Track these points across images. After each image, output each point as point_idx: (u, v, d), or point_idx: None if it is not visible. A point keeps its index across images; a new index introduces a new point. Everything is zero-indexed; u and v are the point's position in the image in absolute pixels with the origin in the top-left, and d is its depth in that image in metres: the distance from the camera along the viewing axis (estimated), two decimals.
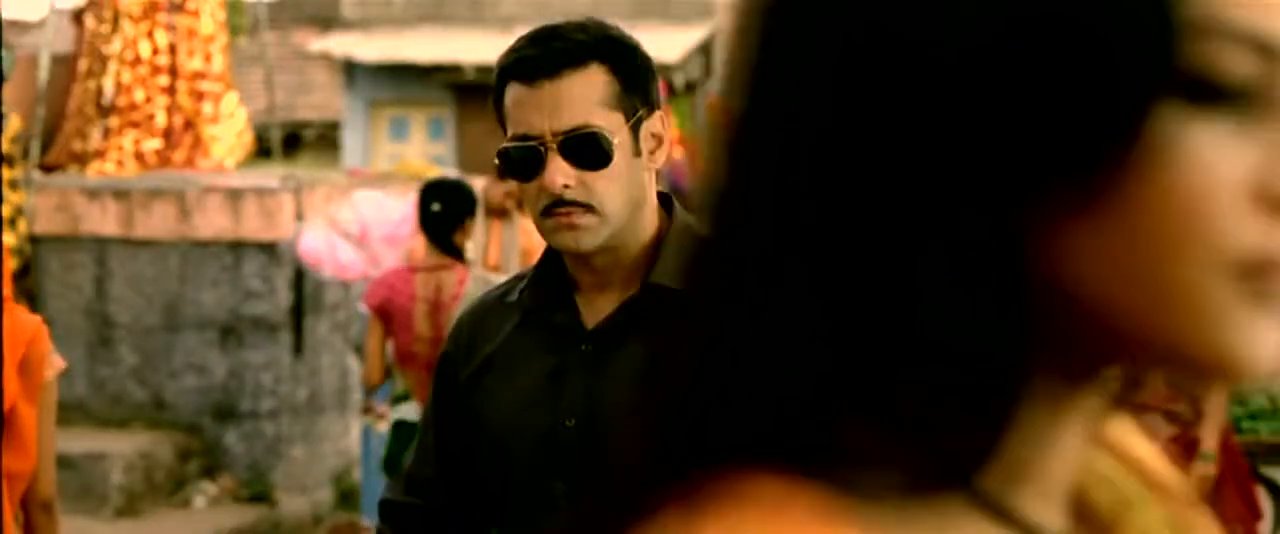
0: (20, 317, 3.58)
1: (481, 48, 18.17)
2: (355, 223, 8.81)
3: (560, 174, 2.17)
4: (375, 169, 16.48)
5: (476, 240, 8.56)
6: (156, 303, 9.41)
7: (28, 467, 3.51)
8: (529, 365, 2.28)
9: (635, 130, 2.23)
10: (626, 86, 2.23)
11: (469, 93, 18.69)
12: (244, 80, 18.18)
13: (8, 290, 3.55)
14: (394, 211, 9.04)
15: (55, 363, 3.62)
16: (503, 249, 8.64)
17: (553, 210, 2.19)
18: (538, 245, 9.06)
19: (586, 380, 2.23)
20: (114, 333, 9.47)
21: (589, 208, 2.18)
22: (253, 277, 9.30)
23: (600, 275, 2.27)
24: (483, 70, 17.99)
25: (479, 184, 9.62)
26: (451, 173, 13.99)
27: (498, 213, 8.69)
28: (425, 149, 19.11)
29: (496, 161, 2.25)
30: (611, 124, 2.20)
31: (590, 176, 2.18)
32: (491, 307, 2.39)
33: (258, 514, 9.01)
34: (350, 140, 19.35)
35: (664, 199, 2.33)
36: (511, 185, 8.67)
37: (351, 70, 19.28)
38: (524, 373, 2.28)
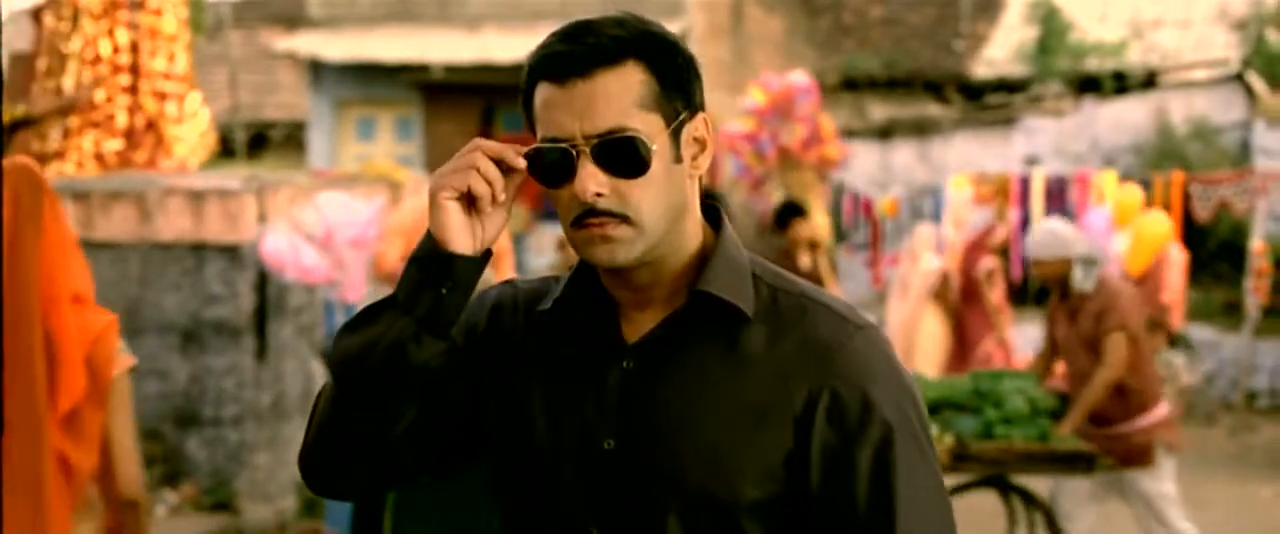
0: (88, 316, 3.64)
1: (449, 47, 18.04)
2: (319, 225, 8.66)
3: (592, 181, 2.00)
4: (342, 169, 16.32)
5: None
6: (117, 306, 9.11)
7: (90, 462, 3.59)
8: (563, 382, 2.12)
9: (676, 134, 2.06)
10: (665, 86, 2.05)
11: (437, 92, 18.55)
12: (208, 80, 18.01)
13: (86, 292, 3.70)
14: (360, 214, 8.91)
15: (123, 360, 3.69)
16: None
17: (584, 220, 2.03)
18: (506, 249, 8.96)
19: (627, 398, 2.08)
20: None
21: (624, 218, 2.02)
22: (215, 280, 9.15)
23: (639, 292, 2.12)
24: (450, 70, 17.87)
25: None
26: (419, 174, 13.85)
27: None
28: (392, 149, 18.96)
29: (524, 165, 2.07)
30: (649, 127, 2.02)
31: (625, 184, 2.01)
32: (517, 305, 2.22)
33: (221, 523, 8.87)
34: (316, 140, 19.18)
35: (709, 209, 2.17)
36: None
37: (318, 70, 19.10)
38: (559, 390, 2.12)
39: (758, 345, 2.07)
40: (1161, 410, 7.32)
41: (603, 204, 2.00)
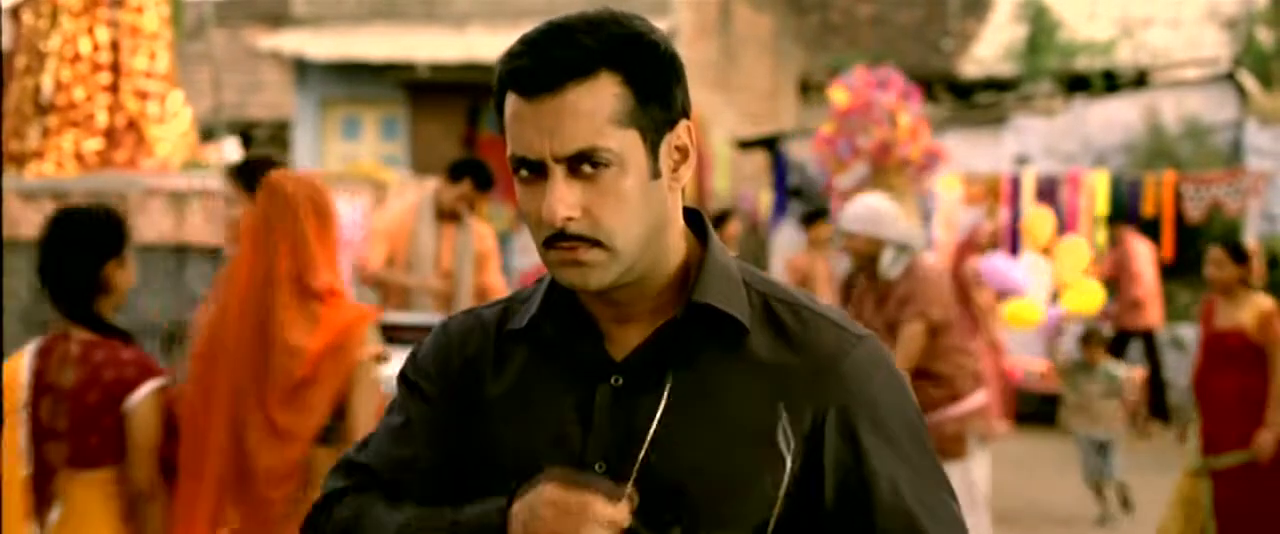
0: (344, 308, 4.39)
1: (435, 45, 17.92)
2: None
3: (562, 204, 1.87)
4: (327, 169, 16.18)
5: (426, 246, 8.29)
6: None
7: (307, 429, 4.28)
8: (547, 403, 1.99)
9: (654, 148, 1.93)
10: (643, 97, 1.91)
11: (422, 91, 18.43)
12: (192, 79, 17.87)
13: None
14: (344, 215, 8.78)
15: (371, 349, 4.37)
16: (455, 254, 8.36)
17: (555, 243, 1.90)
18: (491, 250, 8.82)
19: (619, 418, 1.95)
20: None
21: (596, 242, 1.89)
22: (197, 282, 9.02)
23: (620, 308, 1.99)
24: (436, 68, 17.74)
25: (429, 186, 9.35)
26: (404, 173, 13.71)
27: (449, 216, 8.40)
28: (378, 149, 18.84)
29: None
30: (624, 145, 1.89)
31: (598, 206, 1.89)
32: (487, 331, 2.09)
33: None
34: (301, 140, 19.05)
35: (693, 218, 2.05)
36: (464, 188, 8.39)
37: (302, 68, 18.97)
38: (541, 412, 1.99)
39: (756, 358, 1.96)
40: (976, 400, 7.12)
41: (573, 228, 1.88)
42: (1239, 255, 7.61)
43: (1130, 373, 10.44)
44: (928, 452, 1.99)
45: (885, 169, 12.22)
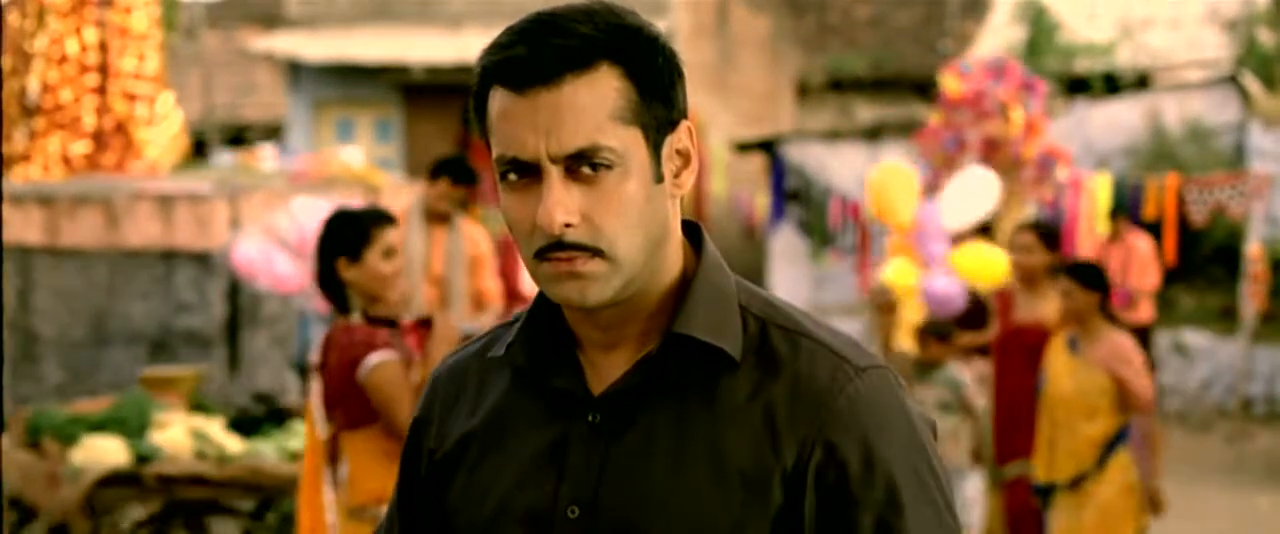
0: None
1: (430, 47, 17.81)
2: (294, 231, 8.38)
3: (560, 210, 1.69)
4: (319, 171, 16.05)
5: (416, 250, 8.12)
6: (83, 315, 9.02)
7: None
8: (521, 440, 1.82)
9: (656, 149, 1.75)
10: (645, 93, 1.73)
11: (417, 94, 18.33)
12: (185, 81, 17.74)
13: None
14: None
15: None
16: (447, 258, 8.19)
17: (549, 254, 1.72)
18: (485, 254, 8.63)
19: (594, 458, 1.77)
20: (38, 347, 9.06)
21: (597, 252, 1.71)
22: (185, 288, 8.91)
23: (609, 331, 1.80)
24: (430, 70, 17.63)
25: (418, 187, 9.20)
26: (397, 176, 13.58)
27: (439, 218, 8.20)
28: (372, 151, 18.72)
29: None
30: (626, 144, 1.71)
31: (598, 212, 1.70)
32: (469, 365, 1.93)
33: None
34: (295, 142, 18.93)
35: (690, 230, 1.86)
36: (442, 186, 8.17)
37: (296, 70, 18.85)
38: (514, 449, 1.82)
39: (744, 392, 1.76)
40: None
41: (572, 236, 1.69)
42: (1051, 240, 6.95)
43: (976, 384, 7.71)
44: (933, 503, 1.76)
45: (994, 168, 11.32)
